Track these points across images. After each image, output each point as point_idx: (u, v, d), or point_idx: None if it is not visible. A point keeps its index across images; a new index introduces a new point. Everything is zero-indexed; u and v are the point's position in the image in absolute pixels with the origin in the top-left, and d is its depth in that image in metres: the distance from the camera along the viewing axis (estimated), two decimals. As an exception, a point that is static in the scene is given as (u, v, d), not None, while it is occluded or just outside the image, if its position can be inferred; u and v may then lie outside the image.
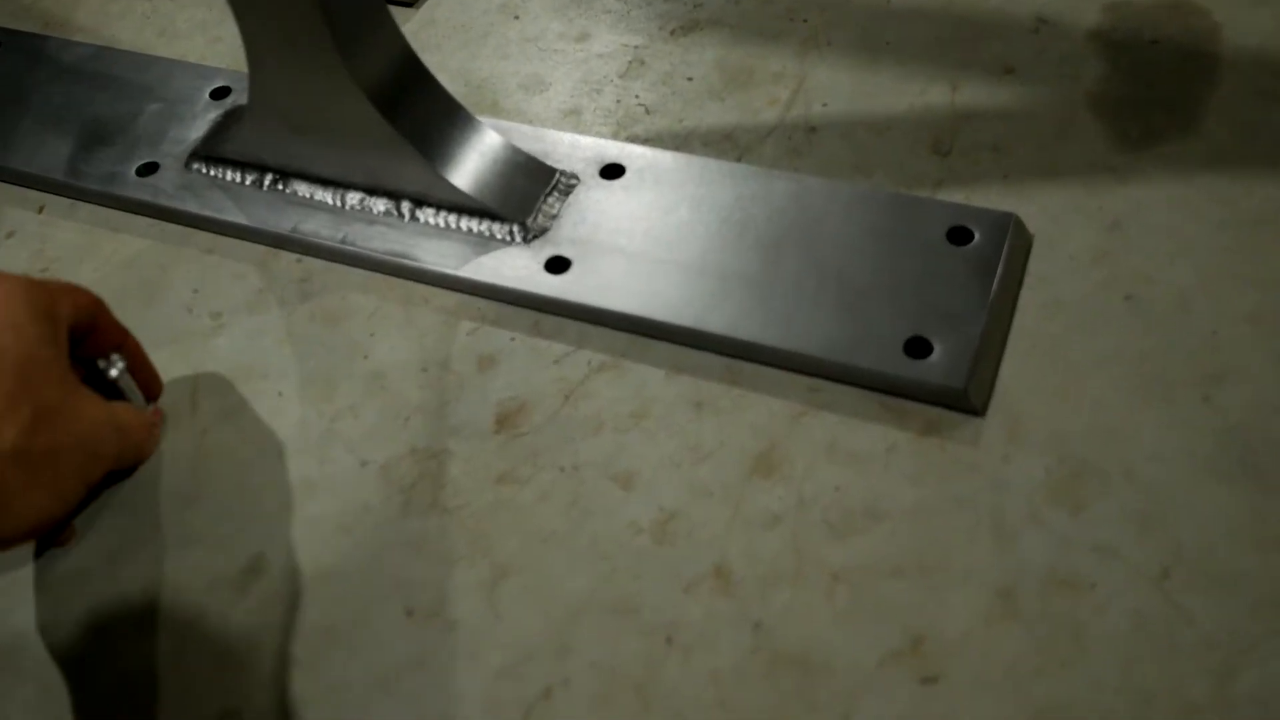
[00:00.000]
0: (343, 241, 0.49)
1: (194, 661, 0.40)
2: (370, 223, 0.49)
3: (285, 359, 0.47)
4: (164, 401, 0.46)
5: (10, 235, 0.53)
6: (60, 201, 0.54)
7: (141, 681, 0.40)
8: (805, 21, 0.55)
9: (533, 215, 0.48)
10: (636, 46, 0.55)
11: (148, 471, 0.44)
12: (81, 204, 0.54)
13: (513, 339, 0.46)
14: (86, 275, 0.51)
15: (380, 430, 0.44)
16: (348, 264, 0.49)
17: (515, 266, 0.47)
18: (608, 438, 0.43)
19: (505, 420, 0.44)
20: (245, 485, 0.44)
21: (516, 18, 0.58)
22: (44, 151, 0.55)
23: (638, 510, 0.41)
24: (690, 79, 0.54)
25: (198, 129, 0.54)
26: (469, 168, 0.48)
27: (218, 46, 0.59)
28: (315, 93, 0.47)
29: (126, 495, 0.44)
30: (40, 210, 0.54)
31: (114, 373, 0.43)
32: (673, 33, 0.56)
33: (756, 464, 0.41)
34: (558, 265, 0.47)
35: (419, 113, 0.48)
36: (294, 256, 0.50)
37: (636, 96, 0.53)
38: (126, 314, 0.49)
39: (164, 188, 0.52)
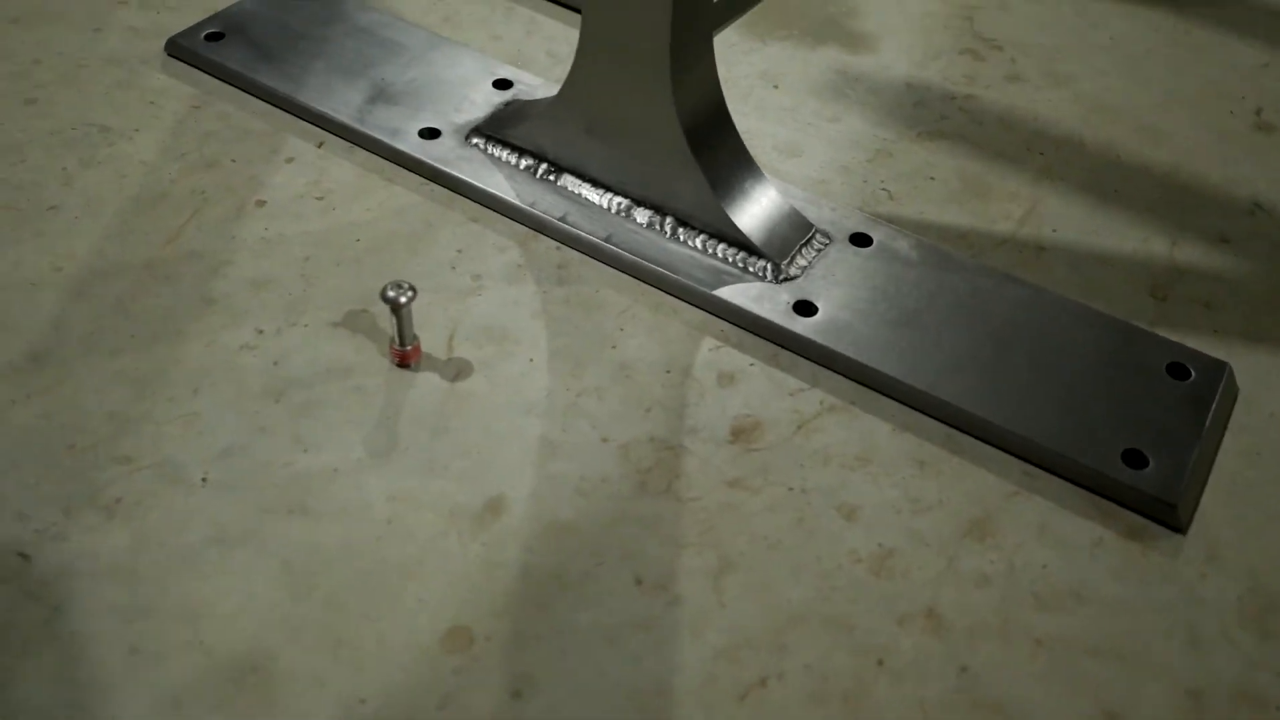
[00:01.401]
0: (607, 239, 0.52)
1: (430, 578, 0.42)
2: (632, 229, 0.53)
3: (538, 331, 0.50)
4: (425, 342, 0.49)
5: (290, 160, 0.56)
6: (339, 142, 0.57)
7: (370, 584, 0.42)
8: (1041, 154, 0.59)
9: (787, 260, 0.51)
10: (885, 139, 0.59)
11: (398, 394, 0.47)
12: (358, 150, 0.57)
13: (752, 364, 0.49)
14: (358, 213, 0.54)
15: (622, 414, 0.47)
16: (604, 261, 0.52)
17: (766, 301, 0.50)
18: (834, 472, 0.45)
19: (740, 433, 0.47)
20: (491, 430, 0.46)
21: (776, 87, 0.62)
22: (333, 95, 0.58)
23: (858, 541, 0.43)
24: (932, 179, 0.58)
25: (478, 110, 0.58)
26: (742, 203, 0.52)
27: (498, 44, 0.63)
28: (631, 104, 0.50)
29: (374, 412, 0.46)
30: (320, 145, 0.57)
31: (403, 299, 0.46)
32: (919, 135, 0.60)
33: (971, 528, 0.44)
34: (806, 309, 0.50)
35: (714, 144, 0.51)
36: (553, 243, 0.53)
37: (882, 182, 0.57)
38: (394, 257, 0.52)
39: (442, 153, 0.56)
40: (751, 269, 0.51)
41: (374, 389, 0.47)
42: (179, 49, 0.61)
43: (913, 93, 0.62)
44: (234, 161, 0.56)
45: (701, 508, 0.44)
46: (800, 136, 0.59)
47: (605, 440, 0.46)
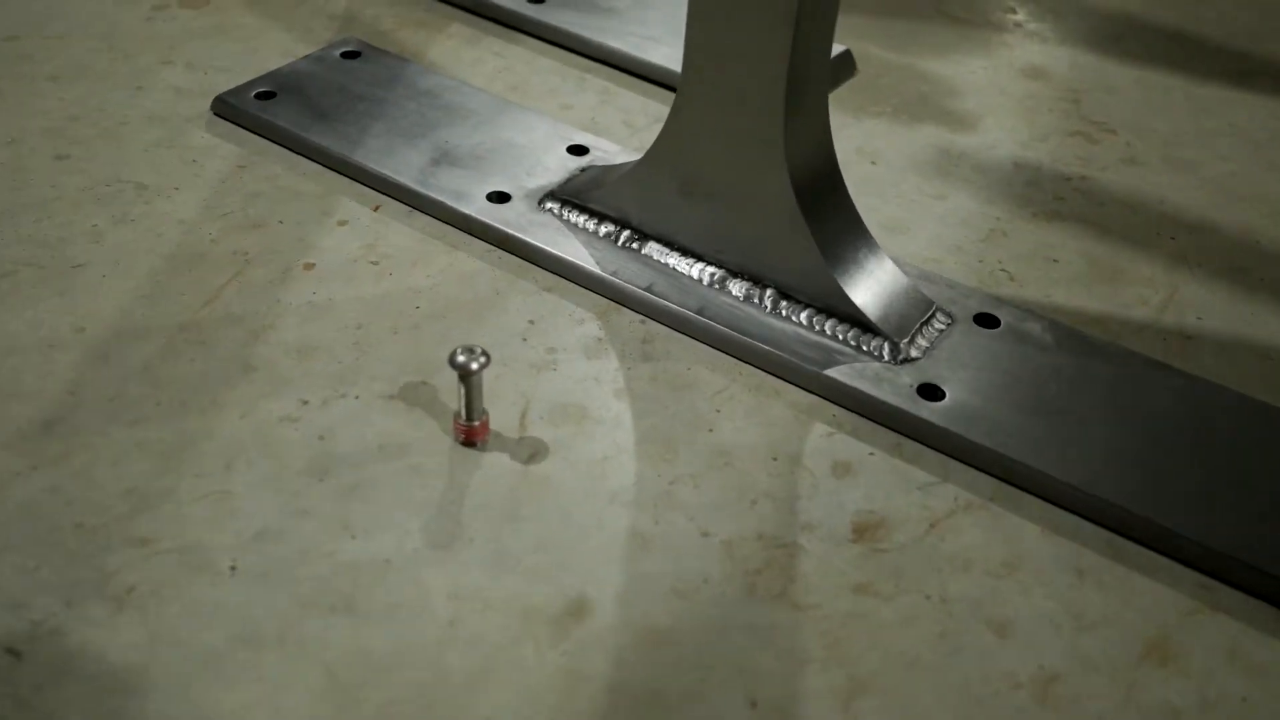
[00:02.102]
0: (699, 312, 0.46)
1: (500, 692, 0.34)
2: (727, 302, 0.46)
3: (622, 411, 0.43)
4: (494, 419, 0.42)
5: (343, 224, 0.51)
6: (397, 206, 0.52)
7: (429, 698, 0.34)
8: (1173, 239, 0.53)
9: (907, 339, 0.45)
10: (998, 218, 0.54)
11: (462, 476, 0.40)
12: (418, 214, 0.51)
13: (872, 454, 0.42)
14: (418, 279, 0.48)
15: (724, 506, 0.40)
16: (695, 336, 0.46)
17: (886, 384, 0.43)
18: (978, 579, 0.38)
19: (864, 532, 0.40)
20: (570, 520, 0.39)
21: (874, 163, 0.57)
22: (393, 156, 0.53)
23: (1015, 662, 0.36)
24: (1056, 260, 0.52)
25: (553, 176, 0.52)
26: (856, 275, 0.45)
27: (569, 114, 0.58)
28: (736, 161, 0.45)
29: (434, 496, 0.40)
30: (375, 209, 0.52)
31: (474, 366, 0.40)
32: (1034, 216, 0.54)
33: (1149, 650, 0.37)
34: (931, 393, 0.43)
35: (826, 209, 0.45)
36: (636, 316, 0.47)
37: (1000, 263, 0.51)
38: (458, 325, 0.46)
39: (513, 218, 0.50)
40: (866, 348, 0.45)
41: (434, 469, 0.41)
42: (226, 107, 0.56)
43: (1022, 172, 0.57)
44: (281, 223, 0.51)
45: (824, 616, 0.37)
46: (904, 213, 0.54)
47: (705, 535, 0.39)
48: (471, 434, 0.41)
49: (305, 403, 0.43)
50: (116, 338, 0.45)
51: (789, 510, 0.40)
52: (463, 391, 0.40)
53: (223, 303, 0.47)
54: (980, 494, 0.41)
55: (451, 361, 0.40)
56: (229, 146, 0.55)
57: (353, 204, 0.52)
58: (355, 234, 0.50)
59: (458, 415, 0.41)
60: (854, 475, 0.41)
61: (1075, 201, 0.55)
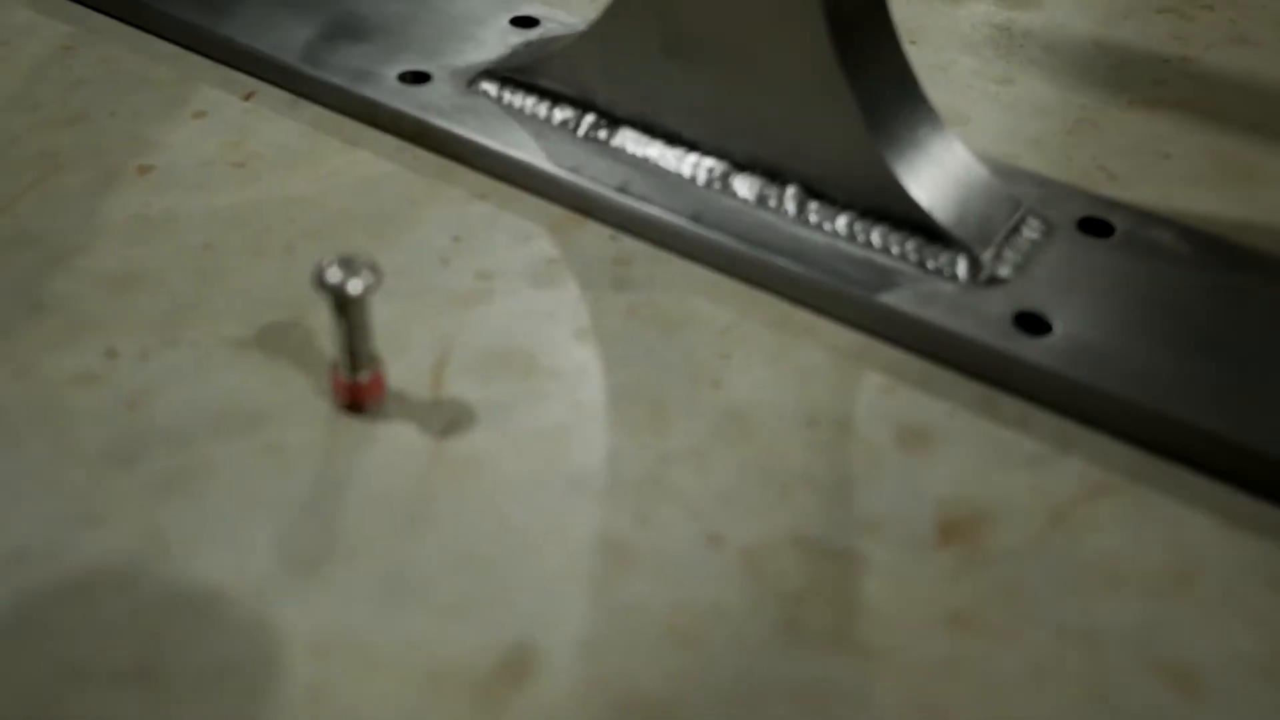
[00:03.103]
0: (695, 219, 0.32)
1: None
2: (732, 205, 0.33)
3: (587, 359, 0.29)
4: (395, 372, 0.29)
5: (200, 116, 0.37)
6: (278, 94, 0.37)
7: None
8: (1315, 129, 0.40)
9: (991, 251, 0.31)
10: (1084, 106, 0.40)
11: (342, 459, 0.27)
12: (306, 103, 0.37)
13: (951, 414, 0.29)
14: (298, 186, 0.34)
15: (743, 495, 0.26)
16: (689, 256, 0.32)
17: (967, 313, 0.30)
18: (1135, 602, 0.25)
19: (954, 531, 0.26)
20: (508, 525, 0.26)
21: (914, 42, 0.43)
22: (273, 30, 0.39)
23: (1214, 736, 0.23)
24: (1168, 156, 0.38)
25: (489, 51, 0.38)
26: (917, 163, 0.32)
27: (513, -14, 0.45)
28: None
29: (298, 490, 0.26)
30: (248, 97, 0.37)
31: (356, 286, 0.26)
32: (1130, 103, 0.41)
33: None
34: (1034, 324, 0.30)
35: (873, 70, 0.32)
36: (606, 229, 0.33)
37: (1094, 159, 0.38)
38: (350, 245, 0.32)
39: (435, 102, 0.36)
40: (934, 264, 0.31)
41: (300, 449, 0.27)
42: (55, -24, 0.42)
43: (1106, 54, 0.43)
44: (113, 116, 0.36)
45: (907, 667, 0.23)
46: (961, 101, 0.40)
47: (714, 540, 0.26)
48: (357, 394, 0.27)
49: (113, 354, 0.29)
50: None
51: (840, 501, 0.26)
52: (340, 329, 0.27)
53: (12, 218, 0.32)
54: (1118, 469, 0.27)
55: (319, 281, 0.26)
56: (55, 25, 0.40)
57: (216, 92, 0.38)
58: (215, 128, 0.36)
59: (335, 366, 0.27)
60: (931, 447, 0.28)
61: (1179, 86, 0.42)
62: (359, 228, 0.33)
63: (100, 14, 0.40)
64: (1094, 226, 0.33)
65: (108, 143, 0.35)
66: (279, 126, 0.36)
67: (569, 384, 0.29)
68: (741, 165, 0.33)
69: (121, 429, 0.27)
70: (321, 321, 0.29)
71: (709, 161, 0.33)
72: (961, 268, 0.31)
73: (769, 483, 0.27)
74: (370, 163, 0.35)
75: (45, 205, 0.33)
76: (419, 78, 0.37)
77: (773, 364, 0.29)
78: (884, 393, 0.29)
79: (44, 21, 0.40)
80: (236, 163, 0.35)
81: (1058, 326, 0.29)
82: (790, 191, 0.32)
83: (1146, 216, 0.33)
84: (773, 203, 0.32)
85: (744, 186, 0.33)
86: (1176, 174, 0.37)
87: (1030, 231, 0.32)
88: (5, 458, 0.26)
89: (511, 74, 0.36)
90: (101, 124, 0.36)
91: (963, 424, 0.28)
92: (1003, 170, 0.35)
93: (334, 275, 0.26)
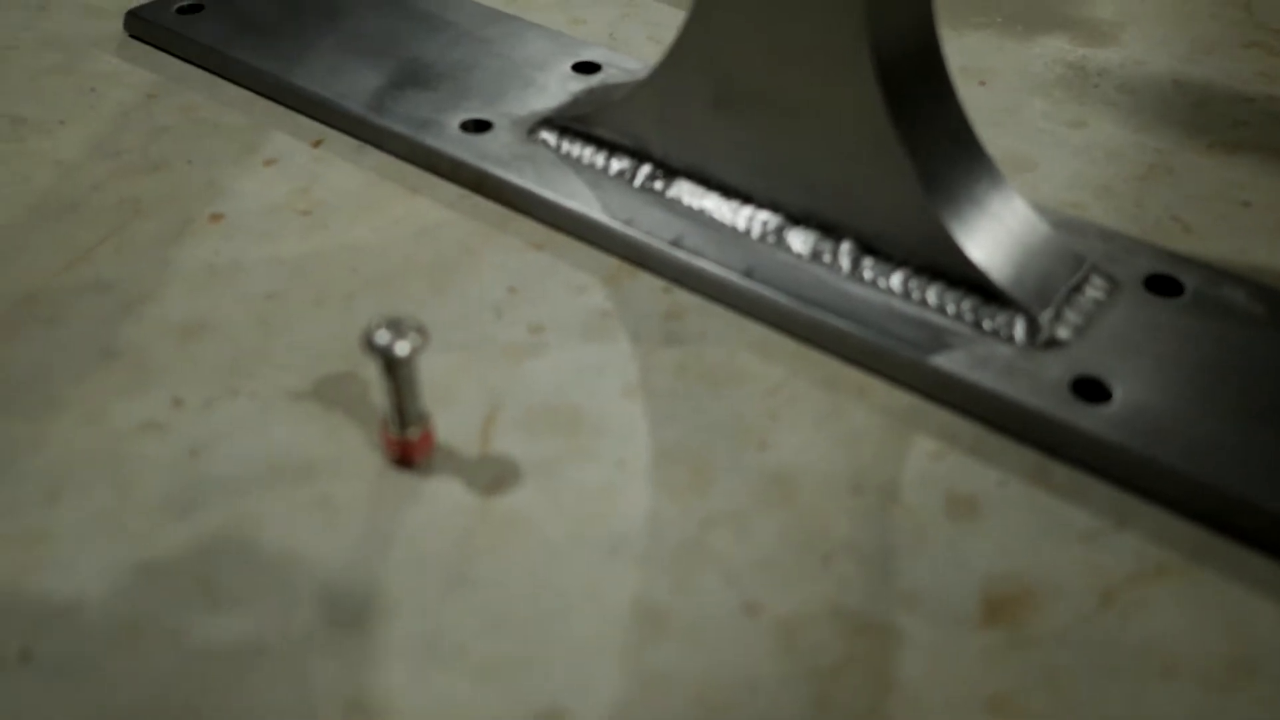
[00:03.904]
0: (747, 274, 0.32)
1: None
2: (786, 260, 0.32)
3: (633, 417, 0.29)
4: (445, 426, 0.29)
5: (270, 164, 0.37)
6: (345, 141, 0.38)
7: None
8: (1406, 177, 0.38)
9: (1050, 311, 0.30)
10: (1159, 150, 0.39)
11: (389, 515, 0.27)
12: (371, 150, 0.38)
13: (1003, 483, 0.28)
14: (360, 234, 0.35)
15: (783, 563, 0.26)
16: (741, 311, 0.32)
17: (1022, 377, 0.29)
18: (1189, 695, 0.24)
19: (1000, 608, 0.25)
20: (547, 585, 0.26)
21: (983, 83, 0.42)
22: (341, 78, 0.39)
23: (1265, 838, 0.22)
24: (1247, 204, 0.37)
25: (550, 99, 0.38)
26: (973, 220, 0.31)
27: (580, 29, 0.45)
28: (793, 52, 0.31)
29: (344, 543, 0.26)
30: (317, 145, 0.38)
31: (403, 348, 0.26)
32: (1210, 147, 0.39)
33: None
34: (1092, 391, 0.29)
35: (928, 123, 0.31)
36: (659, 281, 0.33)
37: (1167, 207, 0.37)
38: (409, 296, 0.32)
39: (494, 151, 0.36)
40: (990, 325, 0.30)
41: (349, 503, 0.27)
42: (141, 25, 0.43)
43: (1185, 93, 0.42)
44: (190, 164, 0.37)
45: (942, 752, 0.23)
46: (1029, 145, 0.39)
47: (751, 610, 0.25)
48: (406, 450, 0.28)
49: (179, 403, 0.30)
50: (-68, 313, 0.32)
51: (882, 572, 0.26)
52: (389, 388, 0.27)
53: (90, 266, 0.34)
54: (1177, 547, 0.27)
55: (368, 343, 0.26)
56: (140, 73, 0.42)
57: (286, 139, 0.38)
58: (284, 175, 0.37)
59: (386, 422, 0.28)
60: (980, 517, 0.27)
61: (1263, 127, 0.40)
62: (418, 277, 0.33)
63: (181, 61, 0.42)
64: (1162, 285, 0.32)
65: (183, 190, 0.36)
66: (345, 173, 0.37)
67: (615, 442, 0.29)
68: (796, 219, 0.33)
69: (183, 478, 0.27)
70: (376, 374, 0.30)
71: (764, 214, 0.33)
72: (1019, 329, 0.30)
73: (810, 550, 0.26)
74: (430, 210, 0.35)
75: (121, 253, 0.34)
76: (480, 126, 0.37)
77: (821, 425, 0.29)
78: (934, 458, 0.28)
79: (129, 69, 0.41)
80: (303, 210, 0.35)
81: (1118, 393, 0.29)
82: (845, 247, 0.32)
83: (1219, 274, 0.32)
84: (827, 258, 0.32)
85: (798, 241, 0.32)
86: (1256, 225, 0.36)
87: (1093, 290, 0.31)
88: (73, 504, 0.27)
89: (570, 123, 0.36)
90: (179, 171, 0.37)
91: (1014, 493, 0.27)
92: (1067, 223, 0.34)
93: (382, 337, 0.26)
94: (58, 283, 0.33)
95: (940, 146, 0.31)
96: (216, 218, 0.35)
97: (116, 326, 0.31)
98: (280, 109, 0.39)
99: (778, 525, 0.27)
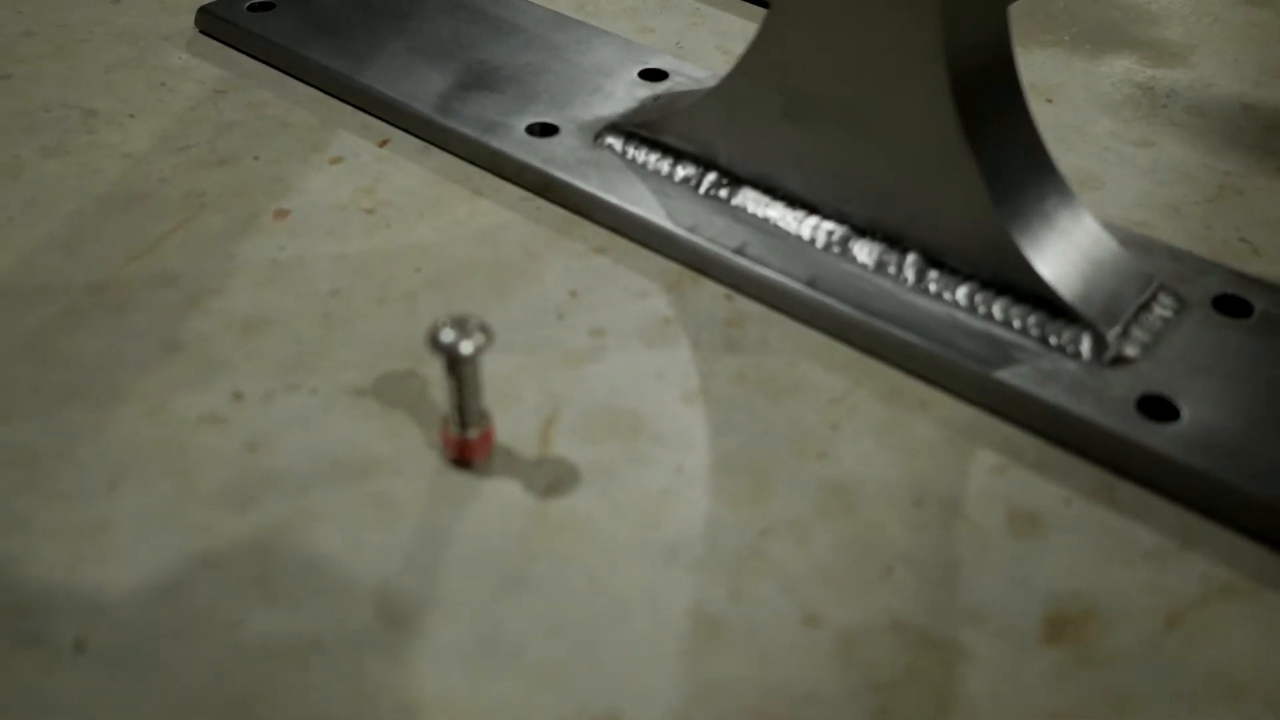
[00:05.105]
0: (810, 284, 0.32)
1: None
2: (850, 271, 0.32)
3: (693, 423, 0.29)
4: (505, 427, 0.29)
5: (336, 162, 0.38)
6: (411, 142, 0.38)
7: None
8: None
9: (1118, 329, 0.30)
10: (1228, 173, 0.38)
11: (446, 513, 0.27)
12: (436, 151, 0.38)
13: (1067, 500, 0.27)
14: (424, 234, 0.35)
15: (843, 574, 0.26)
16: (804, 319, 0.32)
17: (1087, 394, 0.29)
18: (1259, 716, 0.23)
19: (1063, 627, 0.25)
20: (604, 590, 0.25)
21: (1050, 100, 0.42)
22: (409, 79, 0.39)
23: None
24: (1318, 229, 0.36)
25: (617, 105, 0.38)
26: (1042, 236, 0.31)
27: (648, 37, 0.44)
28: (866, 64, 0.30)
29: (400, 541, 0.26)
30: (383, 144, 0.38)
31: (467, 347, 0.26)
32: (1279, 170, 0.39)
33: None
34: (1160, 409, 0.28)
35: (999, 137, 0.31)
36: (721, 289, 0.33)
37: (1236, 229, 0.36)
38: (470, 296, 0.32)
39: (560, 155, 0.36)
40: (1057, 341, 0.30)
41: (407, 501, 0.27)
42: (213, 21, 0.43)
43: (1255, 116, 0.41)
44: (257, 159, 0.38)
45: (1004, 773, 0.22)
46: (1096, 164, 0.39)
47: (811, 621, 0.25)
48: (466, 450, 0.27)
49: (239, 396, 0.29)
50: (2, 298, 0.32)
51: (944, 587, 0.25)
52: (451, 387, 0.27)
53: (157, 258, 0.34)
54: (1244, 569, 0.26)
55: (433, 341, 0.26)
56: (209, 68, 0.42)
57: (353, 138, 0.39)
58: (350, 174, 0.37)
59: (446, 422, 0.28)
60: (1044, 534, 0.27)
61: (1335, 153, 0.39)
62: (479, 279, 0.33)
63: (250, 58, 0.42)
64: (1231, 305, 0.31)
65: (250, 186, 0.36)
66: (410, 174, 0.37)
67: (673, 448, 0.28)
68: (862, 230, 0.32)
69: (241, 471, 0.27)
70: (437, 373, 0.29)
71: (828, 225, 0.33)
72: (1085, 346, 0.29)
73: (870, 562, 0.26)
74: (493, 212, 0.35)
75: (187, 246, 0.34)
76: (546, 130, 0.37)
77: (882, 436, 0.28)
78: (997, 473, 0.28)
79: (198, 64, 0.42)
80: (368, 209, 0.35)
81: (1185, 412, 0.28)
82: (910, 259, 0.31)
83: (1290, 297, 0.31)
84: (892, 269, 0.32)
85: (863, 252, 0.32)
86: (1326, 250, 0.35)
87: (1161, 309, 0.30)
88: (135, 495, 0.27)
89: (636, 129, 0.36)
90: (246, 167, 0.37)
91: (1079, 511, 0.27)
92: (1136, 242, 0.33)
93: (447, 335, 0.26)
94: (124, 274, 0.33)
95: (1011, 160, 0.30)
96: (282, 214, 0.35)
97: (181, 319, 0.31)
98: (347, 108, 0.39)
99: (837, 536, 0.26)
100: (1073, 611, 0.25)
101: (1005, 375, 0.29)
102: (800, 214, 0.33)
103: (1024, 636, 0.24)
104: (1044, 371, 0.29)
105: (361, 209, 0.35)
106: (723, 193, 0.34)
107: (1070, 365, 0.29)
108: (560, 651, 0.24)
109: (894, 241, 0.32)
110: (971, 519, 0.27)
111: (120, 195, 0.36)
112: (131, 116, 0.39)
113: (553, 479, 0.27)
